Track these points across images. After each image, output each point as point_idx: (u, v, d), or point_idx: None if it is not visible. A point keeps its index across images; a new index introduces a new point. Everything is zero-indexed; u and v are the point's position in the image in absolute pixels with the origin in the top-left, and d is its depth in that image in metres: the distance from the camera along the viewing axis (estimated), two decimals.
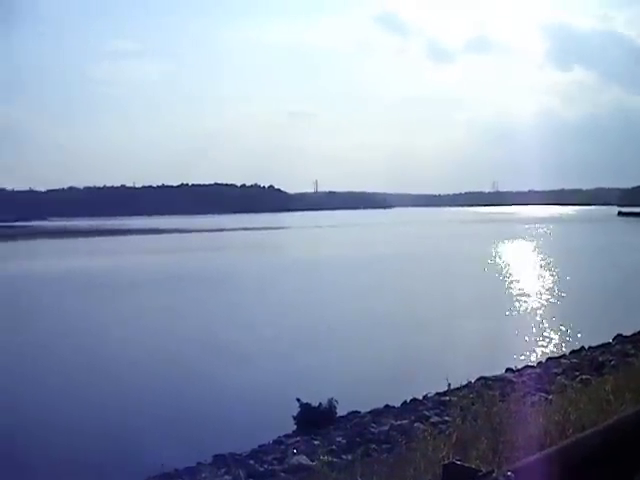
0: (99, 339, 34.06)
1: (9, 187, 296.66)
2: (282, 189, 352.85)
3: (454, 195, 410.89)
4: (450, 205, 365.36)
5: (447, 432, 9.73)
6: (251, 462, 15.95)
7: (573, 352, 26.31)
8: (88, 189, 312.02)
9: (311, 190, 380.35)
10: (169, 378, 26.31)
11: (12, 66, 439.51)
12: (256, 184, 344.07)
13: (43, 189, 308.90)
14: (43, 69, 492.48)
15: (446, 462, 4.22)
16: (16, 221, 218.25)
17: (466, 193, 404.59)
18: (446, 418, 15.42)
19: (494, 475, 3.81)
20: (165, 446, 17.79)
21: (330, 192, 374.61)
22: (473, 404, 10.15)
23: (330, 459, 13.65)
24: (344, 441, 16.69)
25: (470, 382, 20.86)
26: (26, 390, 24.37)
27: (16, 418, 20.80)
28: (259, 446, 17.54)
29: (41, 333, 35.55)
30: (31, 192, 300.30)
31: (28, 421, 20.57)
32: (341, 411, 19.56)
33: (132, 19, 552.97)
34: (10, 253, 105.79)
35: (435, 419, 17.08)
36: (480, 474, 3.82)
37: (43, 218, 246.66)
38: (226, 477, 14.29)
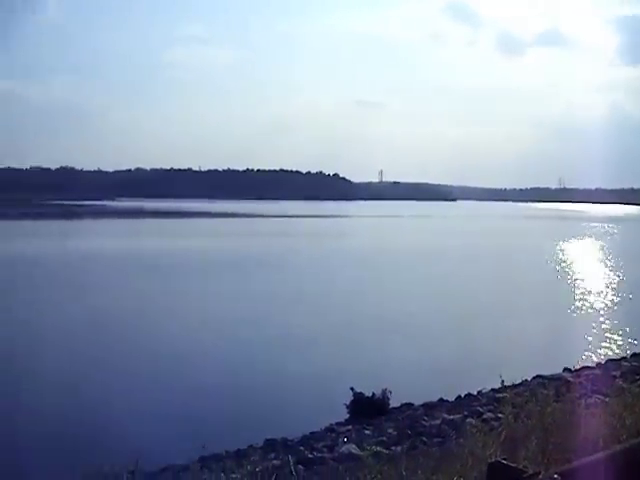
0: (163, 320, 34.66)
1: (78, 167, 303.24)
2: (347, 177, 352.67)
3: (520, 190, 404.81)
4: (516, 200, 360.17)
5: (499, 429, 9.57)
6: (301, 448, 16.01)
7: (634, 355, 25.77)
8: (155, 171, 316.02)
9: (376, 180, 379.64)
10: (228, 360, 26.65)
11: (86, 51, 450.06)
12: (321, 172, 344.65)
13: (111, 170, 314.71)
14: (116, 54, 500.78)
15: (492, 460, 4.13)
16: (84, 200, 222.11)
17: (532, 188, 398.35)
18: (499, 415, 15.20)
19: (540, 477, 3.72)
20: (219, 427, 18.04)
21: (395, 182, 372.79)
22: (527, 402, 9.95)
23: (379, 450, 13.60)
24: (395, 433, 16.63)
25: (526, 380, 20.65)
26: (94, 366, 24.89)
27: (83, 391, 21.35)
28: (310, 433, 17.61)
29: (105, 311, 36.28)
30: (99, 172, 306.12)
31: (93, 393, 21.14)
32: (394, 402, 19.52)
33: (204, 5, 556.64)
34: (78, 232, 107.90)
35: (488, 415, 16.89)
36: (525, 475, 3.73)
37: (110, 198, 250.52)
38: (275, 462, 14.32)
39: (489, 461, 4.17)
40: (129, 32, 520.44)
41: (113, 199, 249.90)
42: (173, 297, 42.02)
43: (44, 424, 18.31)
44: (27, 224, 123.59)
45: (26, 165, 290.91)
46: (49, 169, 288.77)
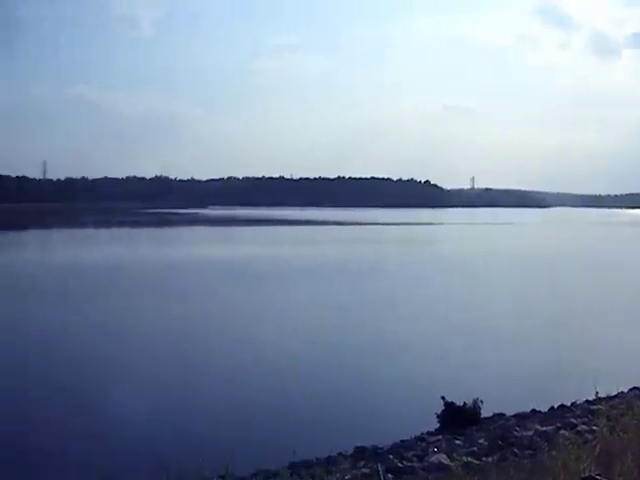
0: (256, 325, 35.02)
1: (172, 176, 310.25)
2: (438, 184, 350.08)
3: (615, 196, 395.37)
4: (611, 206, 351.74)
5: (593, 443, 9.33)
6: (391, 457, 15.91)
7: None
8: (247, 179, 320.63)
9: (467, 186, 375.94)
10: (319, 365, 26.75)
11: (179, 61, 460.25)
12: (412, 179, 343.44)
13: (204, 178, 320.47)
14: (207, 64, 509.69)
15: (585, 475, 4.04)
16: (178, 209, 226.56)
17: (628, 194, 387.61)
18: (593, 428, 14.82)
19: None
20: (310, 433, 18.11)
21: (486, 189, 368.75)
22: (623, 415, 9.70)
23: (469, 460, 13.44)
24: (486, 443, 16.36)
25: (622, 392, 20.09)
26: (183, 369, 25.36)
27: (172, 394, 21.79)
28: (401, 441, 17.48)
29: (195, 316, 36.96)
30: (192, 181, 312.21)
31: (183, 397, 21.56)
32: (486, 412, 19.22)
33: (293, 13, 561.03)
34: (173, 239, 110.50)
35: (582, 428, 16.45)
36: None
37: (203, 206, 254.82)
38: (364, 470, 14.32)
39: (582, 475, 4.08)
40: (219, 44, 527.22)
41: (206, 207, 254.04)
42: (267, 303, 42.38)
43: (135, 425, 18.74)
44: (126, 232, 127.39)
45: (122, 175, 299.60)
46: (144, 178, 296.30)
